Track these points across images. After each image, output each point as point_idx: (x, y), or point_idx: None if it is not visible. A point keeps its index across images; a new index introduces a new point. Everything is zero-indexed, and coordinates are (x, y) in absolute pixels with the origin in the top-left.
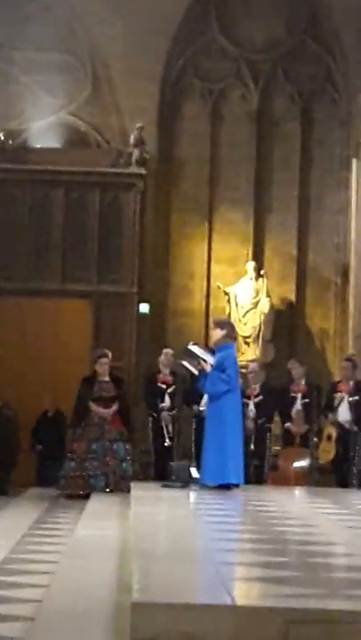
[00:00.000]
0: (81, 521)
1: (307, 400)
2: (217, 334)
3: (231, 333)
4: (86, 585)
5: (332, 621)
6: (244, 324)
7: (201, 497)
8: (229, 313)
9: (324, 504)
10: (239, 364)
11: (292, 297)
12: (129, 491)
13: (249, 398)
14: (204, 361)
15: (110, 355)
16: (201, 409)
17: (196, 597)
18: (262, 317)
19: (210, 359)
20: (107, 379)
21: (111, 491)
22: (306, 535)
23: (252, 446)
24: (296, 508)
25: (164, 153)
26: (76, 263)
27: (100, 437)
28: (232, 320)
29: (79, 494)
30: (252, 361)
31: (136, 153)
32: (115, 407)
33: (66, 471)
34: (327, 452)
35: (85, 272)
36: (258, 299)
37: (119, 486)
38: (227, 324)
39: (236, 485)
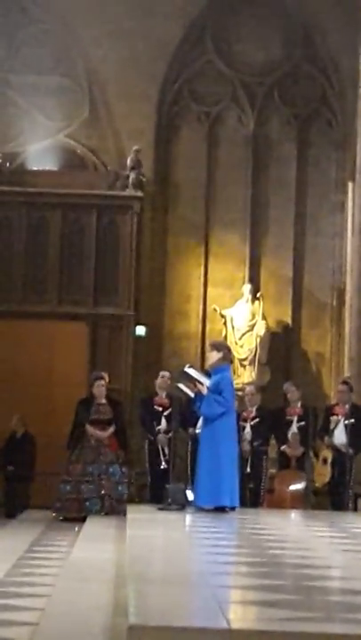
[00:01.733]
0: (77, 543)
1: (303, 423)
2: (213, 357)
3: (228, 356)
4: (82, 608)
5: None
6: (241, 346)
7: (197, 520)
8: (225, 335)
9: (320, 527)
10: (235, 386)
11: (288, 319)
12: (125, 514)
13: (245, 421)
14: (201, 383)
15: (107, 377)
16: (197, 431)
17: (192, 620)
18: (258, 340)
19: (206, 382)
20: (103, 401)
21: (106, 514)
22: (302, 558)
23: (249, 469)
24: (292, 530)
25: (161, 175)
26: (72, 285)
27: (97, 460)
28: (228, 343)
29: (75, 517)
30: (249, 384)
31: (133, 175)
32: (111, 430)
33: (62, 494)
34: (323, 475)
35: (82, 294)
36: (254, 321)
37: (115, 509)
38: (223, 347)
39: (232, 508)
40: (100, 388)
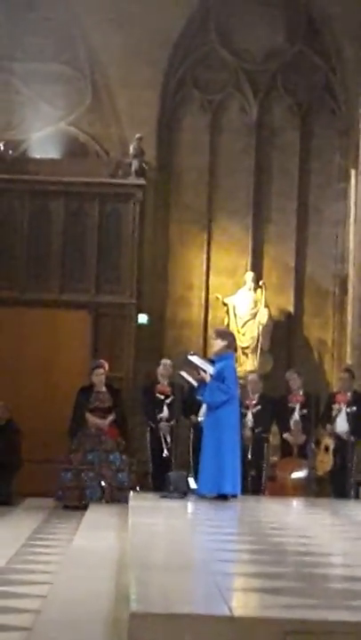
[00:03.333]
0: (79, 531)
1: (305, 411)
2: (218, 345)
3: (232, 344)
4: (84, 595)
5: (329, 632)
6: (243, 334)
7: (199, 507)
8: (228, 324)
9: (322, 515)
10: (238, 374)
11: (291, 308)
12: (127, 501)
13: (247, 408)
14: (204, 371)
15: (107, 365)
16: (199, 419)
17: (194, 608)
18: (261, 328)
19: (209, 369)
20: (103, 389)
21: (107, 502)
22: (304, 546)
23: (250, 456)
24: (294, 518)
25: (164, 163)
26: (74, 273)
27: (97, 448)
28: (233, 331)
29: (76, 505)
30: (252, 372)
31: (135, 163)
32: (111, 418)
33: (63, 482)
34: (325, 462)
35: (84, 282)
36: (256, 309)
37: (115, 497)
38: (228, 335)
39: (234, 496)
40: (99, 377)
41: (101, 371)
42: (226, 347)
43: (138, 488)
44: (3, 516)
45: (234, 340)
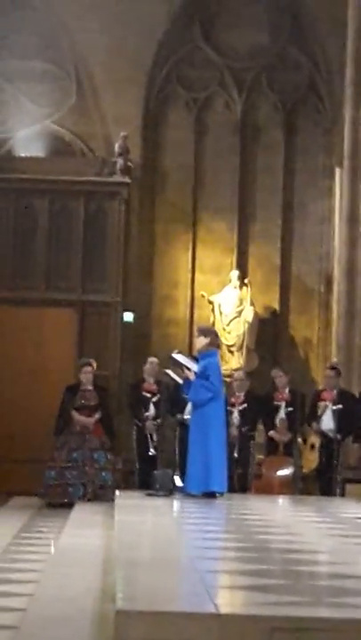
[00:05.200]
0: (65, 530)
1: (290, 409)
2: (201, 342)
3: (215, 341)
4: (71, 593)
5: (315, 629)
6: (228, 332)
7: (185, 505)
8: (213, 322)
9: (308, 512)
10: (224, 372)
11: (276, 306)
12: (110, 500)
13: (233, 406)
14: (188, 369)
15: (95, 364)
16: (185, 417)
17: (180, 605)
18: (246, 326)
19: (194, 367)
20: (90, 387)
21: (89, 500)
22: (290, 543)
23: (236, 454)
24: (280, 516)
25: (149, 162)
26: (60, 272)
27: (81, 446)
28: (216, 329)
29: (63, 503)
30: (237, 369)
31: (120, 162)
32: (97, 416)
33: (46, 480)
34: (311, 460)
35: (70, 281)
36: (242, 307)
37: (98, 496)
38: (210, 332)
39: (220, 494)
40: (87, 375)
41: (89, 369)
42: (209, 344)
43: (122, 486)
44: None
45: (217, 336)
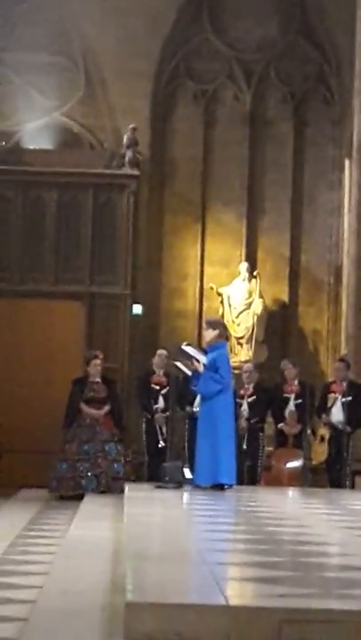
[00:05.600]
0: (74, 522)
1: (300, 401)
2: (209, 334)
3: (223, 333)
4: (80, 585)
5: (325, 621)
6: (238, 324)
7: (194, 497)
8: (222, 314)
9: (318, 504)
10: (233, 365)
11: (285, 298)
12: (122, 491)
13: (242, 398)
14: (198, 361)
15: (101, 355)
16: (194, 409)
17: (190, 597)
18: (255, 318)
19: (203, 359)
20: (98, 380)
21: (103, 492)
22: (299, 535)
23: (245, 446)
24: (289, 508)
25: (157, 154)
26: (68, 264)
27: (92, 439)
28: (225, 321)
29: (72, 495)
30: (247, 361)
31: (129, 154)
32: (106, 408)
33: (58, 472)
34: (320, 452)
35: (78, 273)
36: (251, 299)
37: (111, 487)
38: (219, 325)
39: (230, 486)
40: (96, 367)
41: (98, 361)
42: (217, 336)
43: (133, 478)
44: None
45: (225, 328)
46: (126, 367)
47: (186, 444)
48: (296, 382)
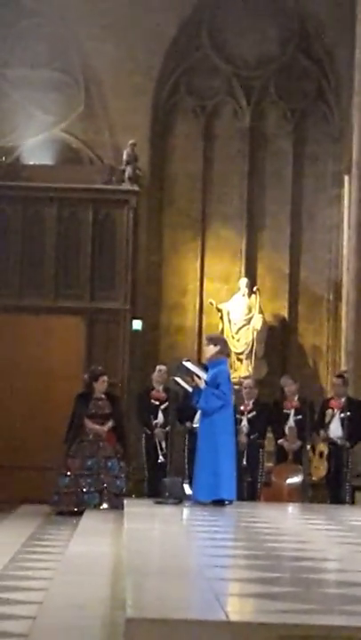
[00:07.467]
0: (74, 537)
1: (300, 416)
2: (210, 350)
3: (224, 350)
4: (80, 601)
5: (325, 636)
6: (237, 340)
7: (194, 513)
8: (222, 330)
9: (318, 520)
10: (233, 380)
11: (285, 313)
12: (123, 507)
13: (242, 414)
14: (198, 377)
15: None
16: (194, 425)
17: (190, 613)
18: (255, 334)
19: (203, 375)
20: (102, 396)
21: (105, 508)
22: (299, 551)
23: (245, 462)
24: (289, 524)
25: (157, 170)
26: (68, 280)
27: (95, 454)
28: (225, 337)
29: (72, 511)
30: (247, 377)
31: (129, 170)
32: (110, 424)
33: (59, 487)
34: (320, 468)
35: (78, 289)
36: (251, 315)
37: (113, 503)
38: (220, 341)
39: (230, 502)
40: (104, 384)
41: (105, 378)
42: (218, 352)
43: (133, 495)
44: None
45: (226, 344)
46: (126, 382)
47: (186, 460)
48: (296, 398)
